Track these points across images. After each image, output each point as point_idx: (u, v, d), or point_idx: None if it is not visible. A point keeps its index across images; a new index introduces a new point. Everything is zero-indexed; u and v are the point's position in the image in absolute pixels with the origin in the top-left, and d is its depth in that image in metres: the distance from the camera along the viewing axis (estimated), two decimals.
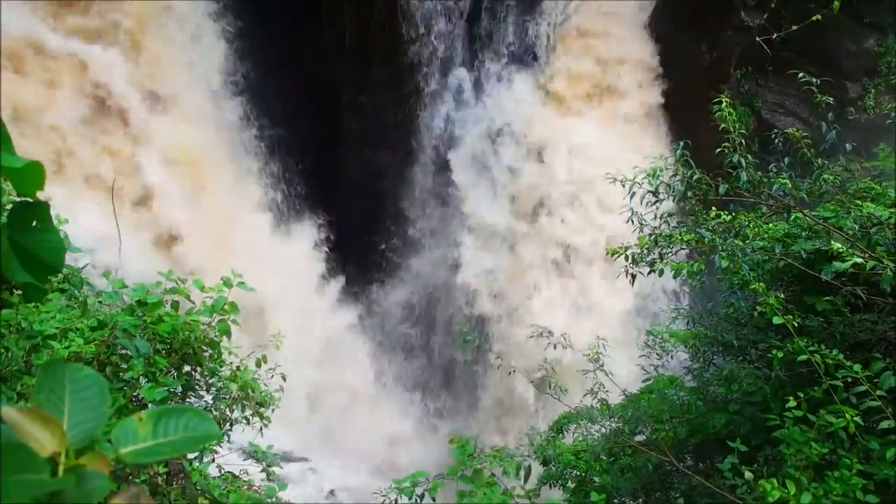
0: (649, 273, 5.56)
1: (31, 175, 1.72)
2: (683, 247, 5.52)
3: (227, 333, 3.88)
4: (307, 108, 14.03)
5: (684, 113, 13.60)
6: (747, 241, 5.32)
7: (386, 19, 13.30)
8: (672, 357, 6.65)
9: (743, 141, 4.94)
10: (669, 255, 5.54)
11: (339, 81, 14.07)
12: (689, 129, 12.61)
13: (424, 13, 13.51)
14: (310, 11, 13.02)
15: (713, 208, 5.50)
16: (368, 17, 13.24)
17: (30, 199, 1.87)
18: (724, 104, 5.13)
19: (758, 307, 4.53)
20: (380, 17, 13.27)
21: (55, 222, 5.01)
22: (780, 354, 4.25)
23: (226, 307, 3.92)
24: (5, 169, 1.69)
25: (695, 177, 4.75)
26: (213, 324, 4.04)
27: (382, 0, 13.14)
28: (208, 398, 4.27)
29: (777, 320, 4.24)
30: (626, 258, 5.60)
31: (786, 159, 4.98)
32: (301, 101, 13.92)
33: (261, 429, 4.49)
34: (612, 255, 5.72)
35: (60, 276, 4.61)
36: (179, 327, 3.89)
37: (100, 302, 3.72)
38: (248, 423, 4.40)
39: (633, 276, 5.63)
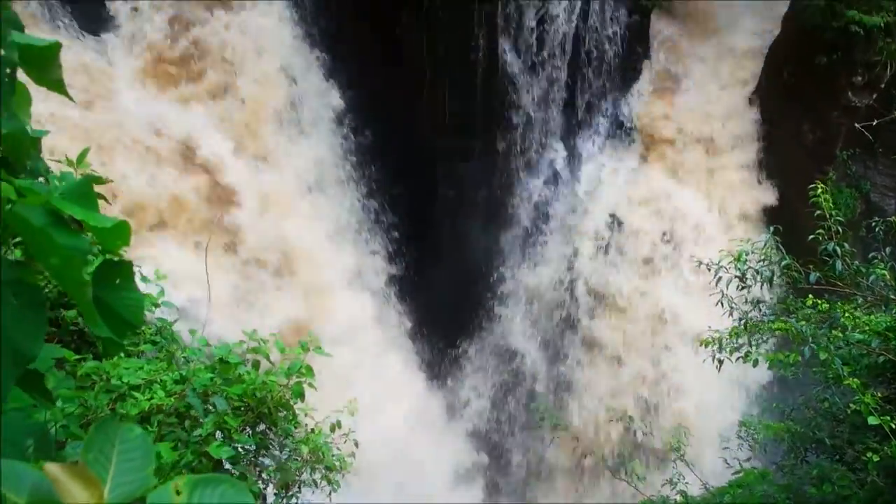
0: (737, 360, 5.34)
1: (118, 234, 1.85)
2: (775, 335, 5.28)
3: (301, 396, 3.96)
4: (406, 175, 14.43)
5: (786, 192, 13.20)
6: (846, 333, 5.04)
7: (485, 96, 13.64)
8: (765, 450, 6.31)
9: (840, 228, 4.74)
10: (761, 343, 5.31)
11: (437, 151, 14.42)
12: (791, 208, 12.22)
13: (522, 89, 13.79)
14: (414, 87, 13.51)
15: (809, 295, 5.26)
16: (468, 93, 13.63)
17: (115, 258, 2.00)
18: (819, 189, 4.95)
19: (852, 404, 4.25)
20: (479, 93, 13.63)
21: (154, 277, 5.26)
22: (877, 458, 3.96)
23: (302, 370, 4.01)
24: (93, 228, 1.83)
25: (783, 263, 4.57)
26: (290, 385, 4.13)
27: (481, 78, 13.51)
28: (282, 456, 4.34)
29: (873, 421, 3.97)
30: (715, 344, 5.41)
31: (887, 249, 4.74)
32: (401, 169, 14.34)
33: (329, 493, 4.51)
34: (705, 345, 5.53)
35: (153, 328, 4.85)
36: (257, 387, 4.00)
37: (184, 357, 3.88)
38: (317, 486, 4.44)
39: (721, 362, 5.42)
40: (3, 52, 1.44)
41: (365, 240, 14.15)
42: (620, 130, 14.25)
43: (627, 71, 14.19)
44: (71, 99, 2.01)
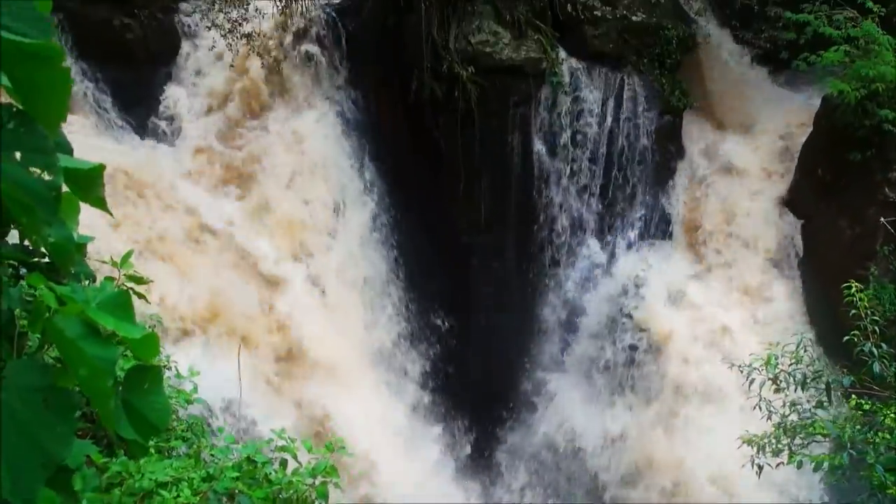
0: (778, 466, 5.17)
1: (147, 345, 1.96)
2: (816, 439, 5.12)
3: (325, 497, 3.95)
4: (442, 271, 14.59)
5: (825, 289, 12.95)
6: (892, 435, 4.86)
7: (519, 194, 13.92)
8: None
9: (877, 328, 4.66)
10: (801, 448, 5.15)
11: (472, 247, 14.61)
12: (832, 306, 11.98)
13: (556, 188, 14.04)
14: (451, 186, 13.86)
15: (853, 396, 5.12)
16: (503, 192, 13.93)
17: (145, 364, 2.10)
18: (853, 288, 4.91)
19: None
20: (514, 192, 13.92)
21: (189, 373, 5.37)
22: None
23: (327, 469, 4.01)
24: (125, 338, 1.93)
25: (814, 368, 4.49)
26: (315, 485, 4.13)
27: (516, 177, 13.83)
28: None
29: None
30: (754, 447, 5.26)
31: None
32: (437, 265, 14.53)
33: None
34: (748, 444, 5.38)
35: (185, 424, 4.91)
36: (283, 486, 4.01)
37: (212, 455, 3.93)
38: None
39: (760, 468, 5.26)
40: (48, 177, 1.58)
41: (398, 333, 14.21)
42: (655, 229, 14.31)
43: (661, 169, 14.37)
44: (111, 214, 2.16)
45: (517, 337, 14.45)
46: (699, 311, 13.01)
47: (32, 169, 1.60)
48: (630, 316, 13.40)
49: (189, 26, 13.46)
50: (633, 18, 13.69)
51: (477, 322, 14.79)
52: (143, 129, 13.44)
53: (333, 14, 13.66)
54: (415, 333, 14.51)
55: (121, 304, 1.84)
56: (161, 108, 13.47)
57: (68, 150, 1.94)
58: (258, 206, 12.60)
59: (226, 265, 11.84)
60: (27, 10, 1.63)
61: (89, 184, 1.95)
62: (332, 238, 13.31)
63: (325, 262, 13.23)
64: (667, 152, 14.36)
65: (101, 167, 1.92)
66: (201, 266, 11.56)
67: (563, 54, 13.69)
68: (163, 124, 13.43)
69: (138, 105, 13.58)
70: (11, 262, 2.20)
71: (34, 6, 1.65)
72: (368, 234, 13.80)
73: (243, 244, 12.13)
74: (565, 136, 13.89)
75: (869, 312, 4.71)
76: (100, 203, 1.98)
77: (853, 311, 4.75)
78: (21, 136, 1.59)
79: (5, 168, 1.53)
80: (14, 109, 1.59)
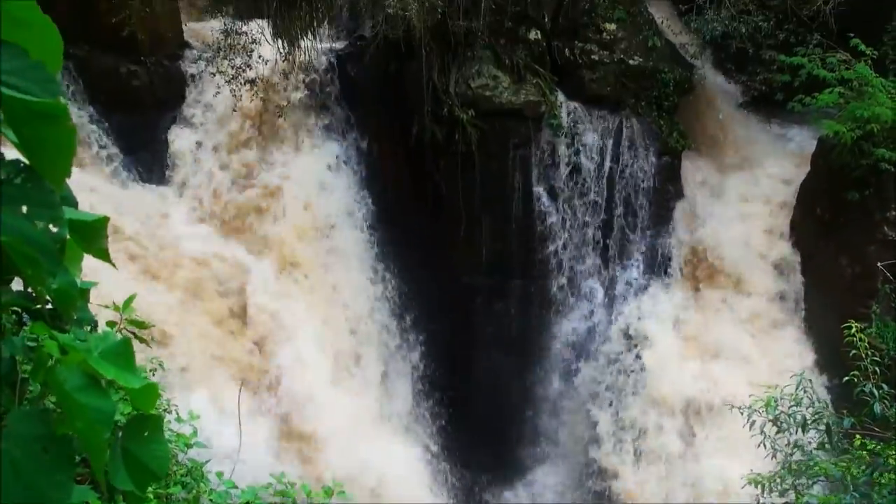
0: None
1: (147, 394, 1.99)
2: (820, 479, 5.09)
3: None
4: (443, 312, 14.61)
5: (828, 327, 12.93)
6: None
7: (520, 236, 14.01)
8: None
9: (877, 368, 4.67)
10: (805, 486, 5.12)
11: (474, 288, 14.64)
12: (834, 344, 11.95)
13: (557, 229, 14.13)
14: (451, 229, 13.96)
15: (857, 436, 5.10)
16: (504, 234, 14.03)
17: (146, 413, 2.13)
18: (853, 329, 4.93)
19: None
20: (515, 234, 14.01)
21: (189, 417, 5.39)
22: None
23: None
24: (126, 388, 1.97)
25: (814, 409, 4.49)
26: None
27: (517, 219, 13.93)
28: None
29: None
30: (759, 487, 5.22)
31: None
32: (438, 306, 14.55)
33: None
34: (754, 484, 5.35)
35: (185, 469, 4.90)
36: None
37: (210, 500, 3.91)
38: None
39: None
40: (54, 229, 1.64)
41: (397, 373, 14.18)
42: (657, 270, 14.35)
43: (662, 209, 14.47)
44: (114, 266, 2.22)
45: (520, 379, 14.40)
46: (703, 350, 12.98)
47: (37, 222, 1.65)
48: (639, 357, 13.38)
49: (194, 73, 13.71)
50: (631, 62, 13.92)
51: (479, 363, 14.76)
52: (148, 173, 13.60)
53: (336, 60, 13.92)
54: (416, 375, 14.48)
55: (122, 353, 1.88)
56: (165, 153, 13.64)
57: (73, 203, 1.99)
58: (260, 250, 12.68)
59: (225, 312, 11.88)
60: (37, 71, 1.70)
61: (93, 235, 2.00)
62: (332, 279, 13.36)
63: (325, 301, 13.27)
64: (666, 192, 14.47)
65: (105, 219, 1.98)
66: (201, 310, 11.60)
67: (561, 97, 13.90)
68: (167, 169, 13.59)
69: (143, 149, 13.75)
70: (15, 308, 2.24)
71: (44, 67, 1.72)
72: (369, 277, 13.85)
73: (242, 289, 12.17)
74: (565, 178, 14.03)
75: (869, 353, 4.72)
76: (102, 254, 2.03)
77: (853, 352, 4.75)
78: (28, 191, 1.64)
79: (11, 221, 1.58)
80: (21, 165, 1.65)
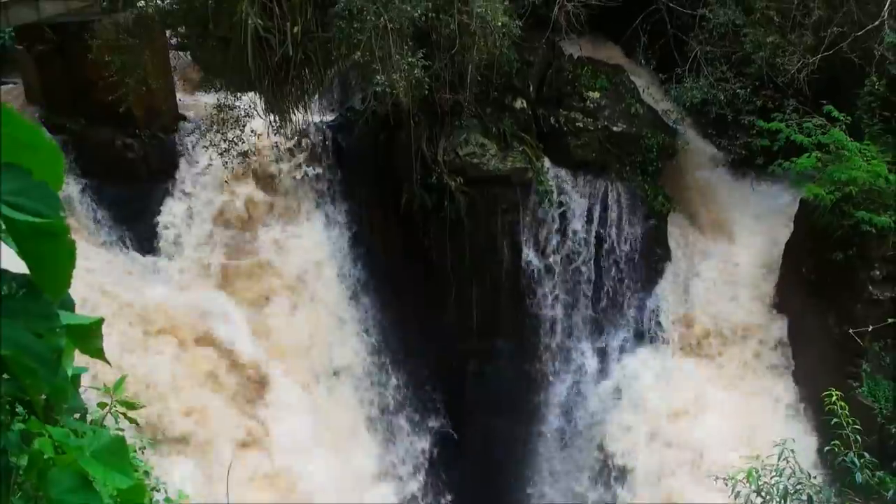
0: None
1: (135, 494, 2.07)
2: None
3: None
4: (434, 376, 14.61)
5: (818, 385, 12.95)
6: None
7: (510, 299, 14.14)
8: None
9: (858, 437, 4.74)
10: None
11: (466, 352, 14.68)
12: (824, 406, 11.98)
13: (546, 292, 14.27)
14: (441, 292, 14.09)
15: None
16: (494, 297, 14.16)
17: None
18: (833, 397, 5.01)
19: None
20: (504, 297, 14.14)
21: (177, 497, 5.39)
22: None
23: None
24: (115, 488, 2.05)
25: (793, 478, 4.53)
26: None
27: (506, 282, 14.08)
28: None
29: None
30: None
31: None
32: (429, 371, 14.56)
33: None
34: None
35: None
36: None
37: None
38: None
39: None
40: (51, 340, 1.74)
41: (389, 440, 14.09)
42: (646, 331, 14.45)
43: (650, 272, 14.65)
44: (108, 363, 2.32)
45: (512, 445, 14.31)
46: (691, 412, 12.98)
47: (36, 333, 1.76)
48: (623, 419, 13.36)
49: (188, 145, 13.98)
50: (614, 129, 14.29)
51: (470, 426, 14.68)
52: (139, 244, 13.70)
53: (327, 130, 14.24)
54: (408, 438, 14.38)
55: (115, 451, 1.97)
56: (158, 223, 13.78)
57: (70, 306, 2.11)
58: (250, 318, 12.74)
59: (216, 380, 11.87)
60: (42, 190, 1.83)
61: (89, 336, 2.11)
62: (326, 347, 13.40)
63: (317, 368, 13.29)
64: (654, 255, 14.67)
65: (100, 321, 2.09)
66: (193, 378, 11.58)
67: (548, 163, 14.21)
68: (159, 239, 13.70)
69: (136, 220, 13.88)
70: (8, 398, 2.33)
71: (47, 186, 1.85)
72: (360, 342, 13.90)
73: (237, 358, 12.20)
74: (553, 242, 14.23)
75: (850, 421, 4.79)
76: (98, 354, 2.13)
77: (834, 420, 4.82)
78: (28, 304, 1.76)
79: (12, 334, 1.69)
80: (22, 280, 1.77)
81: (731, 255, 14.54)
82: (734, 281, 14.29)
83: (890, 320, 11.60)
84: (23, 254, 1.80)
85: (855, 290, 12.93)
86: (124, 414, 4.35)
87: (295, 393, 12.71)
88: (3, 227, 1.78)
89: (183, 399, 11.48)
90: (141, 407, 4.83)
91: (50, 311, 1.75)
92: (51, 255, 1.79)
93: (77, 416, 3.24)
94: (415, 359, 14.31)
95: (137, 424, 4.47)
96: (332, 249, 13.85)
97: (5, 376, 2.14)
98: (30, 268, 1.81)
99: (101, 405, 4.28)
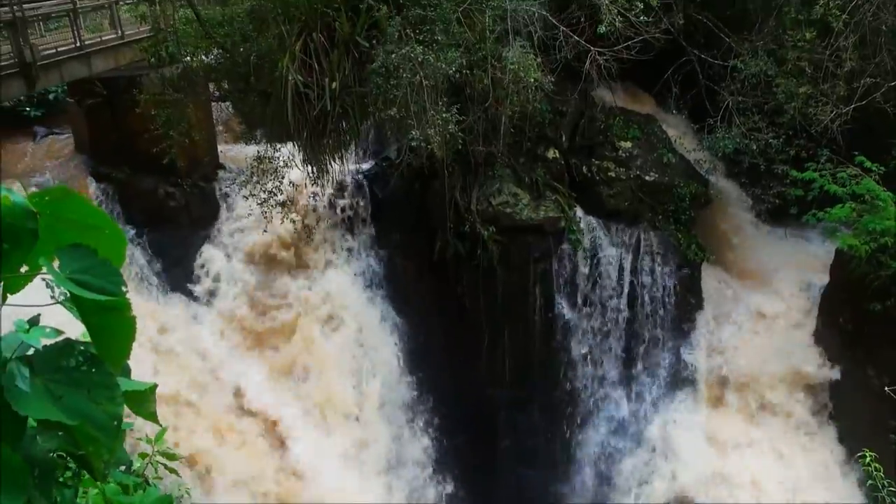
0: None
1: None
2: None
3: None
4: (467, 425, 14.56)
5: (858, 441, 12.64)
6: None
7: (542, 348, 14.13)
8: None
9: (893, 499, 4.66)
10: None
11: (497, 401, 14.63)
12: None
13: (579, 341, 14.24)
14: (475, 340, 14.15)
15: None
16: (527, 346, 14.16)
17: None
18: (867, 458, 4.95)
19: None
20: (537, 345, 14.14)
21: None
22: None
23: None
24: None
25: None
26: None
27: (539, 331, 14.09)
28: None
29: None
30: None
31: None
32: (461, 419, 14.52)
33: None
34: None
35: None
36: None
37: None
38: None
39: None
40: (112, 409, 1.89)
41: (423, 486, 14.02)
42: (681, 382, 14.29)
43: (683, 321, 14.54)
44: (161, 426, 2.46)
45: (545, 495, 14.13)
46: (729, 468, 12.72)
47: (99, 403, 1.92)
48: (657, 469, 13.15)
49: (228, 194, 14.39)
50: (647, 178, 14.37)
51: (503, 476, 14.54)
52: (180, 288, 14.04)
53: (363, 180, 14.55)
54: (441, 487, 14.29)
55: None
56: (198, 269, 14.13)
57: (127, 372, 2.27)
58: (287, 367, 12.92)
59: (248, 430, 12.02)
60: (106, 267, 2.00)
61: (143, 400, 2.26)
62: (359, 395, 13.49)
63: (353, 417, 13.36)
64: (687, 304, 14.58)
65: (154, 386, 2.24)
66: (229, 430, 11.75)
67: (580, 213, 14.30)
68: (197, 286, 14.02)
69: (177, 266, 14.26)
70: (61, 454, 2.49)
71: (110, 264, 2.02)
72: (394, 390, 13.96)
73: (267, 411, 12.36)
74: (586, 291, 14.23)
75: (885, 483, 4.73)
76: (152, 417, 2.28)
77: (870, 482, 4.77)
78: (92, 376, 1.91)
79: (78, 405, 1.85)
80: (88, 354, 1.93)
81: (766, 304, 14.38)
82: (769, 331, 14.11)
83: None
84: (87, 327, 1.96)
85: (893, 340, 12.70)
86: (164, 465, 4.50)
87: (322, 442, 12.79)
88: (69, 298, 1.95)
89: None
90: (181, 458, 4.98)
91: (112, 381, 1.91)
92: (113, 328, 1.95)
93: (122, 468, 3.40)
94: (447, 407, 14.31)
95: (178, 475, 4.61)
96: (366, 297, 14.03)
97: (59, 433, 2.29)
98: (93, 340, 1.97)
99: (143, 455, 4.44)
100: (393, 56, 10.83)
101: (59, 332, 1.91)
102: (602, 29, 11.57)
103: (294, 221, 13.39)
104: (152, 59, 12.97)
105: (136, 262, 13.71)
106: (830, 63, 12.98)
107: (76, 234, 2.02)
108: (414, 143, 10.96)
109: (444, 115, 10.81)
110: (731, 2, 14.27)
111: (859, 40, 12.86)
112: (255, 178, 12.55)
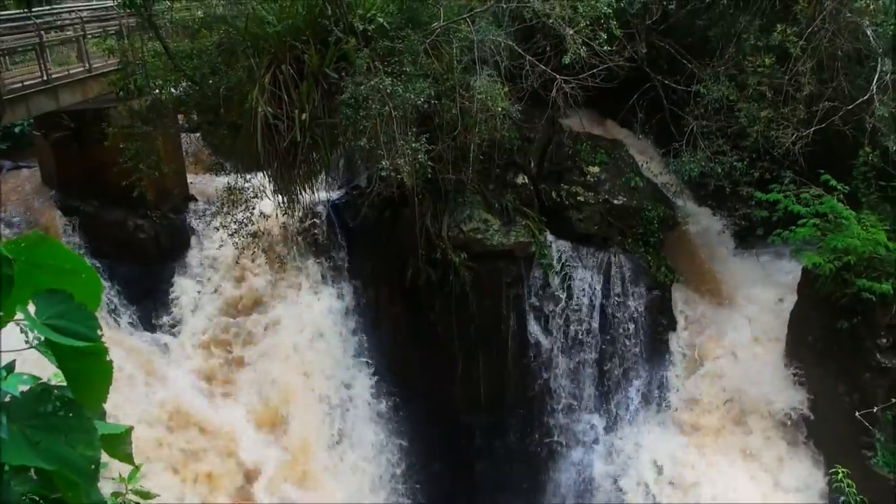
0: None
1: None
2: None
3: None
4: (443, 453, 14.49)
5: (831, 457, 12.82)
6: None
7: (517, 373, 14.17)
8: None
9: None
10: None
11: (472, 426, 14.61)
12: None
13: (553, 366, 14.30)
14: (448, 367, 14.14)
15: None
16: (501, 372, 14.19)
17: None
18: (839, 474, 5.04)
19: None
20: (511, 371, 14.18)
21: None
22: None
23: None
24: None
25: None
26: None
27: (512, 357, 14.14)
28: None
29: None
30: None
31: None
32: (437, 446, 14.45)
33: None
34: None
35: None
36: None
37: None
38: None
39: None
40: (90, 452, 1.89)
41: None
42: (654, 403, 14.40)
43: (655, 342, 14.69)
44: (135, 466, 2.44)
45: None
46: (703, 488, 12.80)
47: (76, 447, 1.91)
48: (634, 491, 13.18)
49: (198, 225, 14.29)
50: (615, 202, 14.58)
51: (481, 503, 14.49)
52: (148, 321, 13.85)
53: (333, 209, 14.57)
54: None
55: None
56: (168, 301, 13.97)
57: (103, 416, 2.26)
58: (257, 402, 12.79)
59: (221, 467, 11.85)
60: (82, 312, 2.01)
61: (119, 442, 2.26)
62: (332, 422, 13.37)
63: (326, 445, 13.23)
64: (658, 325, 14.74)
65: (130, 429, 2.24)
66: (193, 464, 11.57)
67: (550, 237, 14.44)
68: (168, 317, 13.86)
69: (146, 298, 14.07)
70: (34, 497, 2.46)
71: (86, 308, 2.03)
72: (368, 418, 13.87)
73: (238, 443, 12.19)
74: (558, 314, 14.33)
75: (858, 500, 4.81)
76: (127, 459, 2.28)
77: (843, 498, 4.85)
78: (69, 420, 1.91)
79: (56, 450, 1.84)
80: (65, 398, 1.93)
81: (736, 324, 14.60)
82: (740, 350, 14.30)
83: None
84: (64, 372, 1.96)
85: (862, 357, 12.91)
86: (138, 503, 4.44)
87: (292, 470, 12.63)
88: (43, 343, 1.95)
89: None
90: (155, 496, 4.92)
91: (89, 425, 1.90)
92: (90, 373, 1.96)
93: None
94: (422, 435, 14.23)
95: None
96: (338, 325, 13.97)
97: (33, 476, 2.27)
98: (70, 384, 1.97)
99: (116, 495, 4.37)
100: (362, 87, 10.92)
101: (36, 379, 1.91)
102: (567, 59, 11.78)
103: (265, 252, 13.33)
104: (120, 92, 12.92)
105: (104, 295, 13.51)
106: (790, 87, 13.34)
107: (52, 278, 2.03)
108: (384, 173, 11.03)
109: (413, 145, 10.90)
110: (693, 29, 14.64)
111: (817, 65, 13.25)
112: (225, 209, 12.51)
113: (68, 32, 14.30)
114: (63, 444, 1.88)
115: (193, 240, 14.29)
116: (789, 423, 13.59)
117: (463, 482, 14.42)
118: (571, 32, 11.61)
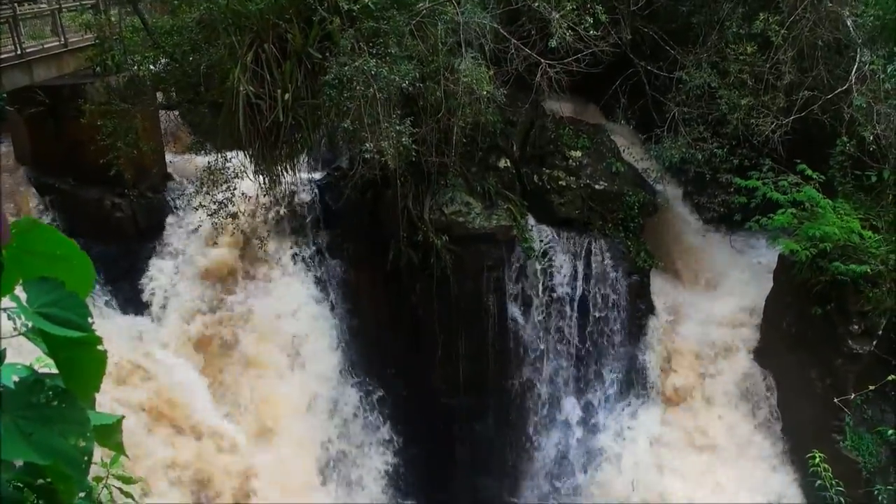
0: None
1: None
2: None
3: None
4: (422, 435, 14.54)
5: (802, 440, 13.08)
6: None
7: (496, 356, 14.22)
8: None
9: (842, 499, 4.85)
10: None
11: (452, 409, 14.66)
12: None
13: (533, 349, 14.38)
14: (429, 350, 14.16)
15: None
16: (481, 355, 14.23)
17: None
18: (816, 458, 5.14)
19: None
20: (491, 354, 14.23)
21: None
22: None
23: None
24: None
25: None
26: None
27: (493, 340, 14.19)
28: None
29: None
30: None
31: None
32: (417, 430, 14.50)
33: None
34: None
35: None
36: None
37: None
38: None
39: None
40: (83, 444, 1.86)
41: (380, 499, 13.95)
42: (633, 385, 14.56)
43: (633, 326, 14.82)
44: (127, 457, 2.42)
45: (502, 500, 14.22)
46: (679, 471, 13.01)
47: (70, 438, 1.88)
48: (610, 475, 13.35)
49: (177, 205, 14.11)
50: (596, 187, 14.63)
51: (461, 486, 14.58)
52: (126, 302, 13.68)
53: (315, 191, 14.45)
54: (399, 499, 14.25)
55: None
56: (145, 281, 13.79)
57: (92, 404, 2.23)
58: (236, 384, 12.73)
59: (198, 447, 11.82)
60: (73, 300, 1.98)
61: (110, 433, 2.23)
62: (310, 408, 13.37)
63: (304, 432, 13.24)
64: (637, 309, 14.87)
65: (121, 419, 2.21)
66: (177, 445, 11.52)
67: (531, 221, 14.47)
68: (145, 297, 13.69)
69: (123, 279, 13.89)
70: (18, 483, 2.43)
71: (77, 296, 1.99)
72: (346, 401, 13.88)
73: (216, 426, 12.16)
74: (538, 298, 14.40)
75: (833, 483, 4.91)
76: (118, 448, 2.25)
77: (819, 482, 4.95)
78: (63, 411, 1.88)
79: (49, 442, 1.81)
80: (58, 389, 1.89)
81: (714, 309, 14.77)
82: (718, 335, 14.49)
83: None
84: (56, 361, 1.93)
85: (835, 344, 13.16)
86: (120, 489, 4.41)
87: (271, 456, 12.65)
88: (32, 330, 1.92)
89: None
90: (137, 481, 4.89)
91: (83, 416, 1.87)
92: (83, 362, 1.92)
93: (82, 494, 3.32)
94: (402, 418, 14.28)
95: (134, 500, 4.51)
96: (319, 307, 13.91)
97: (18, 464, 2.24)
98: (62, 374, 1.93)
99: (97, 479, 4.33)
100: (346, 68, 10.81)
101: (30, 369, 1.88)
102: (553, 43, 11.74)
103: (245, 232, 13.22)
104: (97, 68, 12.66)
105: None
106: (771, 76, 13.44)
107: (44, 265, 1.99)
108: (367, 155, 10.95)
109: (397, 128, 10.83)
110: (676, 16, 14.65)
111: (797, 54, 13.36)
112: (205, 189, 12.36)
113: (42, 5, 13.98)
114: (56, 435, 1.85)
115: (171, 219, 14.11)
116: (762, 405, 13.84)
117: (444, 465, 14.50)
118: (557, 16, 11.57)
